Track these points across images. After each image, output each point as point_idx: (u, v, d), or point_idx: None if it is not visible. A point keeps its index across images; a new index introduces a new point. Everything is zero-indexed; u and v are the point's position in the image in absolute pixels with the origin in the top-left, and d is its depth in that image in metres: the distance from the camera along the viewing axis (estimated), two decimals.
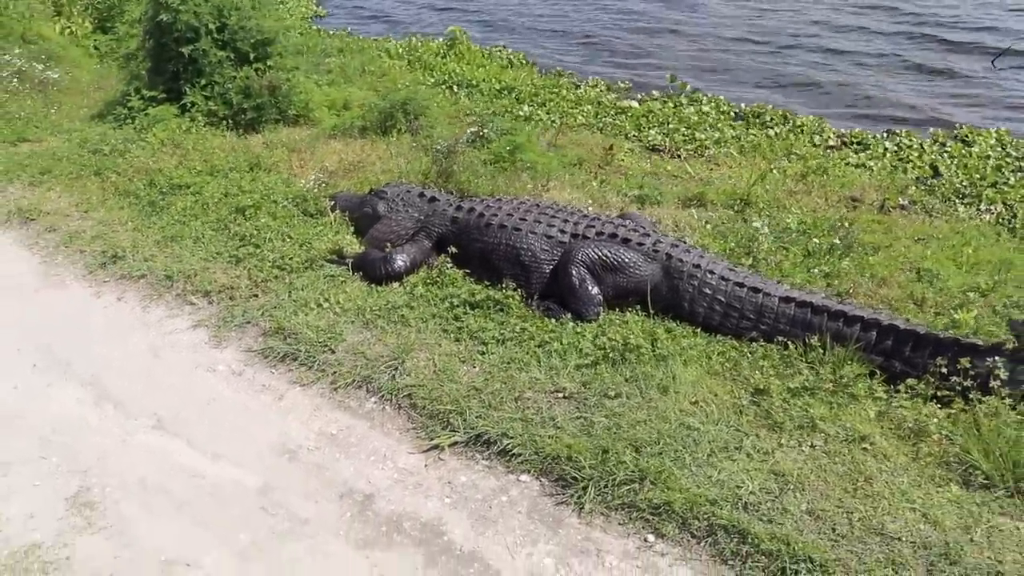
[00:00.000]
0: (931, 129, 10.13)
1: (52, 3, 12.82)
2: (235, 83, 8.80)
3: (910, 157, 9.29)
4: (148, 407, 4.62)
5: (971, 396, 4.19)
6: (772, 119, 10.63)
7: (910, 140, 9.76)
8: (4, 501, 3.95)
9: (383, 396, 4.60)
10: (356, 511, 3.89)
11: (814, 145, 9.78)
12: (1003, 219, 7.57)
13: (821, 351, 4.62)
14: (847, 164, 9.17)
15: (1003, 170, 8.83)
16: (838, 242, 6.09)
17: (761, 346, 4.78)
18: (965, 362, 4.27)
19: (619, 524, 3.75)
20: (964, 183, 8.45)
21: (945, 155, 9.33)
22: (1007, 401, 4.19)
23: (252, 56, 9.07)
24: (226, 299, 5.54)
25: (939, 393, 4.33)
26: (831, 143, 9.87)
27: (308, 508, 3.91)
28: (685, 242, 5.53)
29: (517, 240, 5.38)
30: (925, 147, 9.59)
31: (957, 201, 8.09)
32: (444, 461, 4.17)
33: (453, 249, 5.59)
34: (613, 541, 3.68)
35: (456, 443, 4.24)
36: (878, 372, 4.56)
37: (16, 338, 5.27)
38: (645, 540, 3.67)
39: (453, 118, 9.43)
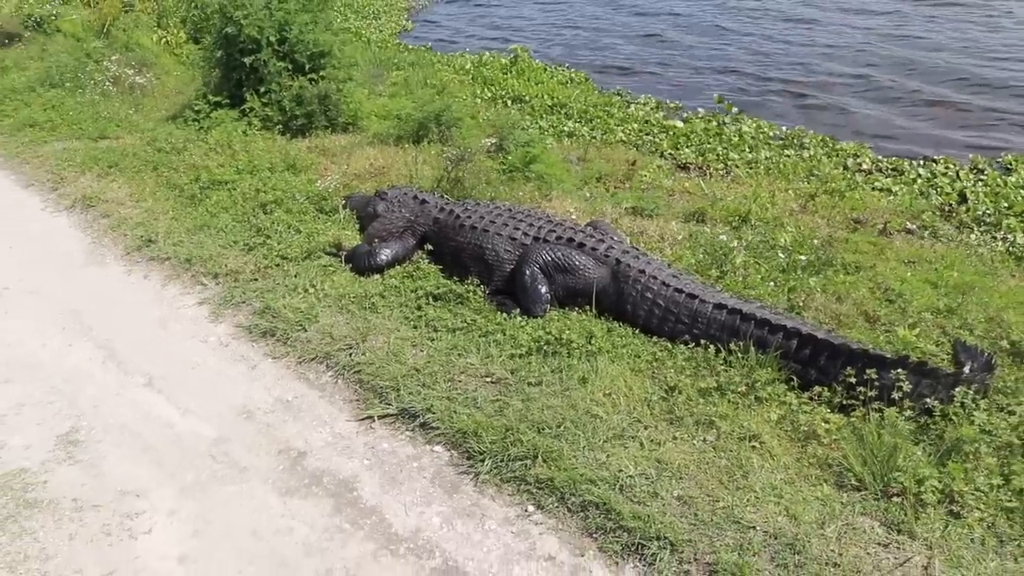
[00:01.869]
0: (971, 155, 10.01)
1: (156, 16, 14.14)
2: (289, 91, 9.63)
3: (940, 184, 9.24)
4: (144, 368, 5.35)
5: (872, 406, 4.40)
6: (811, 142, 10.71)
7: (947, 167, 9.68)
8: (9, 433, 4.71)
9: (338, 371, 5.17)
10: (288, 465, 4.46)
11: (845, 168, 9.84)
12: (1014, 248, 7.52)
13: (740, 356, 4.90)
14: (873, 188, 9.22)
15: None
16: (805, 258, 6.28)
17: (689, 349, 5.09)
18: (871, 373, 4.49)
19: (507, 495, 4.17)
20: (988, 211, 8.38)
21: (980, 183, 9.23)
22: (907, 412, 4.38)
23: (308, 67, 9.87)
24: (231, 281, 6.24)
25: (844, 401, 4.55)
26: (863, 167, 9.90)
27: (248, 459, 4.50)
28: (637, 249, 5.88)
29: (484, 240, 5.88)
30: (960, 175, 9.50)
31: (974, 228, 8.06)
32: (374, 430, 4.70)
33: (429, 246, 6.14)
34: (498, 508, 4.10)
35: (387, 415, 4.76)
36: (795, 378, 4.81)
37: (55, 305, 6.12)
38: (525, 510, 4.07)
39: (491, 132, 9.97)
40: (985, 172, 9.52)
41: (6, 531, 3.96)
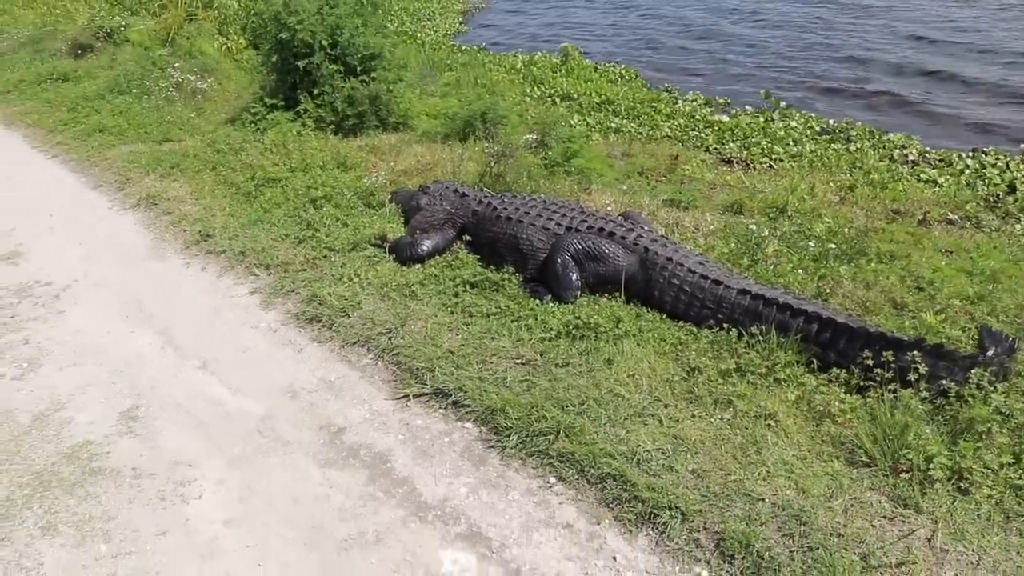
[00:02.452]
0: (1022, 146, 9.86)
1: (217, 24, 14.76)
2: (341, 93, 10.02)
3: (988, 175, 9.14)
4: (199, 352, 5.74)
5: (887, 387, 4.50)
6: (858, 135, 10.67)
7: (996, 158, 9.57)
8: (77, 410, 5.13)
9: (378, 354, 5.48)
10: (328, 439, 4.77)
11: (891, 160, 9.79)
12: None
13: (762, 339, 5.04)
14: (918, 180, 9.17)
15: None
16: (836, 247, 6.36)
17: (713, 333, 5.25)
18: (888, 355, 4.59)
19: (531, 468, 4.40)
20: None
21: None
22: (922, 394, 4.48)
23: (359, 69, 10.24)
24: (281, 272, 6.61)
25: (862, 383, 4.66)
26: (910, 158, 9.84)
27: (292, 433, 4.83)
28: (666, 237, 6.05)
29: (519, 230, 6.12)
30: (1011, 166, 9.38)
31: (1020, 217, 7.97)
32: (409, 407, 4.98)
33: (468, 237, 6.42)
34: (521, 480, 4.34)
35: (422, 394, 5.04)
36: (815, 361, 4.94)
37: (119, 295, 6.58)
38: (547, 481, 4.30)
39: (533, 128, 10.21)
40: None
41: (74, 495, 4.35)
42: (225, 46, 13.78)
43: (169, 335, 5.98)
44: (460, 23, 20.60)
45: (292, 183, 8.08)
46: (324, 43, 10.00)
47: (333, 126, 10.00)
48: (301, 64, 9.97)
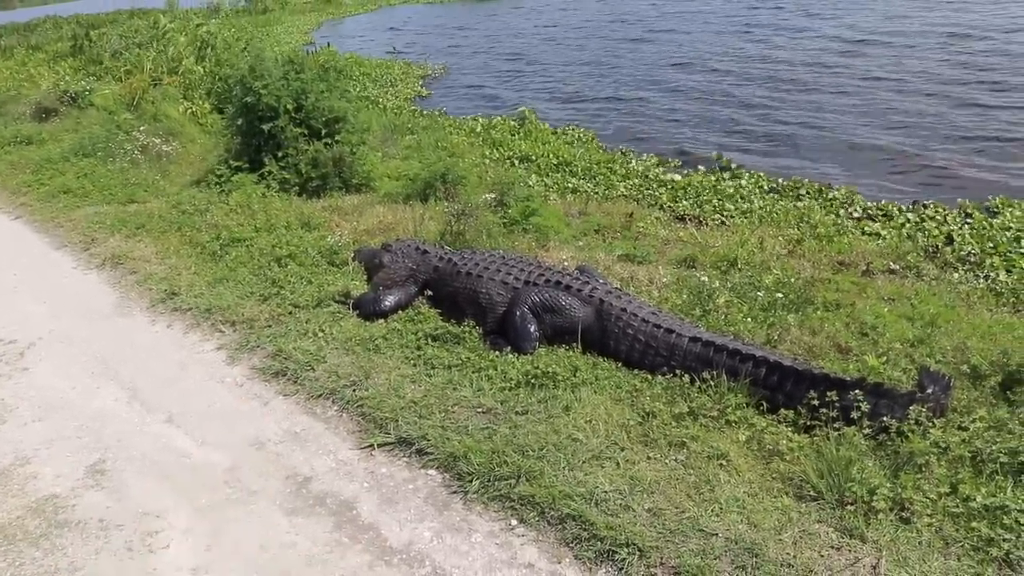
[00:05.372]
0: (959, 200, 10.39)
1: (182, 88, 15.03)
2: (306, 155, 10.26)
3: (928, 227, 9.61)
4: (165, 406, 5.81)
5: (832, 425, 4.74)
6: (807, 192, 11.15)
7: (935, 211, 10.07)
8: (42, 464, 5.17)
9: (342, 405, 5.60)
10: (294, 488, 4.86)
11: (838, 216, 10.24)
12: (994, 285, 7.84)
13: (713, 383, 5.26)
14: (863, 233, 9.61)
15: (1021, 240, 9.01)
16: (784, 296, 6.66)
17: (667, 379, 5.47)
18: (832, 395, 4.83)
19: (493, 511, 4.53)
20: (973, 251, 8.73)
21: (967, 225, 9.59)
22: (865, 430, 4.72)
23: (323, 132, 10.54)
24: (246, 328, 6.73)
25: (808, 423, 4.89)
26: (855, 215, 10.29)
27: (258, 483, 4.91)
28: (620, 289, 6.31)
29: (479, 285, 6.34)
30: (948, 218, 9.87)
31: (958, 267, 8.39)
32: (374, 456, 5.09)
33: (429, 292, 6.62)
34: (484, 523, 4.46)
35: (386, 443, 5.16)
36: (764, 403, 5.17)
37: (84, 352, 6.64)
38: (509, 524, 4.43)
39: (491, 188, 10.52)
40: (972, 216, 9.88)
41: (40, 547, 4.38)
42: (190, 110, 14.04)
43: (135, 390, 6.05)
44: (421, 87, 21.11)
45: (257, 243, 8.25)
46: (289, 107, 10.30)
47: (297, 187, 10.22)
48: (266, 127, 10.25)
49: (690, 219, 10.34)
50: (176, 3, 37.45)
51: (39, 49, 27.91)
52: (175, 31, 19.25)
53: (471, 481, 4.69)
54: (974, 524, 4.05)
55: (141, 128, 12.31)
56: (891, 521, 4.16)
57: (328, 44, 20.63)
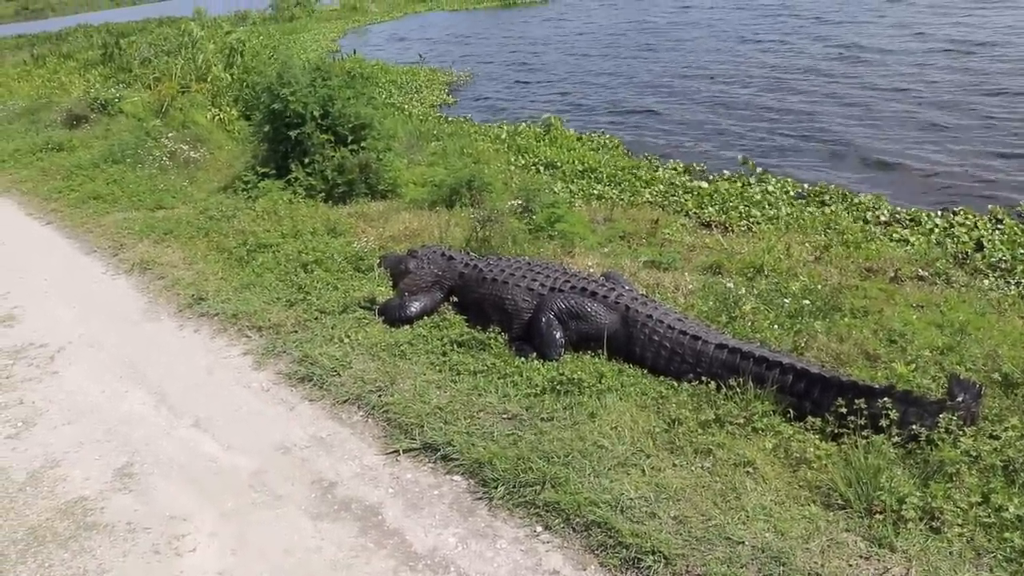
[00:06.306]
0: (989, 206, 10.24)
1: (210, 95, 15.21)
2: (332, 162, 10.33)
3: (957, 233, 9.48)
4: (192, 410, 5.86)
5: (861, 433, 4.68)
6: (832, 198, 11.05)
7: (965, 217, 9.93)
8: (71, 467, 5.24)
9: (368, 411, 5.62)
10: (320, 493, 4.88)
11: (865, 222, 10.13)
12: None
13: (740, 391, 5.23)
14: (891, 239, 9.50)
15: None
16: (810, 303, 6.60)
17: (692, 386, 5.44)
18: (861, 403, 4.78)
19: (518, 517, 4.52)
20: (1004, 257, 8.59)
21: (997, 231, 9.46)
22: (894, 439, 4.66)
23: (349, 139, 10.61)
24: (273, 334, 6.78)
25: (836, 430, 4.84)
26: (883, 219, 10.18)
27: (284, 488, 4.94)
28: (646, 296, 6.28)
29: (504, 291, 6.34)
30: (979, 224, 9.73)
31: (988, 273, 8.26)
32: (399, 462, 5.11)
33: (455, 298, 6.64)
34: (509, 529, 4.46)
35: (411, 449, 5.17)
36: (791, 411, 5.12)
37: (113, 356, 6.73)
38: (534, 530, 4.42)
39: (517, 194, 10.52)
40: (1004, 222, 9.73)
41: (68, 549, 4.44)
42: (217, 117, 14.21)
43: (163, 394, 6.11)
44: (447, 94, 21.20)
45: (283, 248, 8.32)
46: (316, 113, 10.38)
47: (323, 194, 10.29)
48: (293, 134, 10.33)
49: (716, 225, 10.27)
50: (204, 11, 37.90)
51: (70, 57, 28.43)
52: (204, 39, 19.50)
53: (496, 487, 4.69)
54: (1007, 534, 3.99)
55: (169, 135, 12.48)
56: (921, 531, 4.10)
57: (354, 51, 20.79)
